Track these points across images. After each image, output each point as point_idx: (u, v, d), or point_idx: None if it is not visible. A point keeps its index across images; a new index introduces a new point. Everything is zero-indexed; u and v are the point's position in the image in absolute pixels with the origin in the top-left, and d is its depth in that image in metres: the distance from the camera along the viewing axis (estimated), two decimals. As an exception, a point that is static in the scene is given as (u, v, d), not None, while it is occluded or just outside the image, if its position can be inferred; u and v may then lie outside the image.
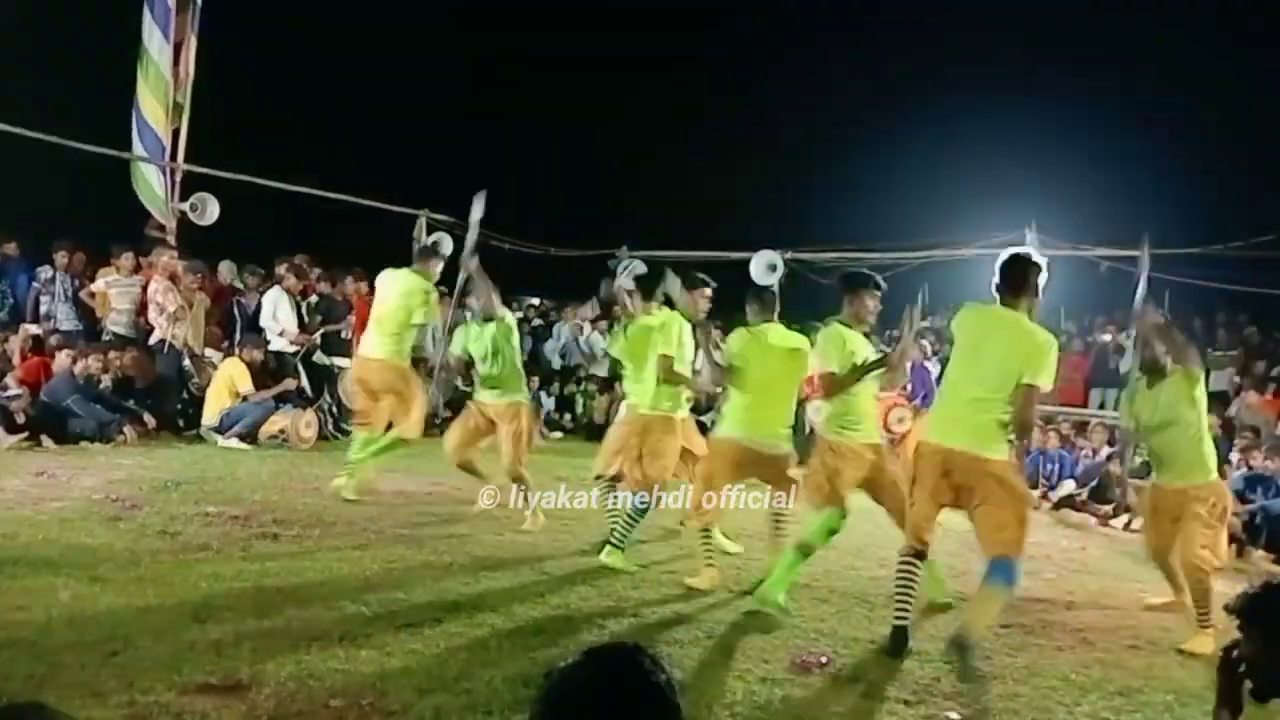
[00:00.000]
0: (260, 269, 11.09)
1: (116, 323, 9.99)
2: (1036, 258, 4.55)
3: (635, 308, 6.02)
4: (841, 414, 5.15)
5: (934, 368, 10.92)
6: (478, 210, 7.44)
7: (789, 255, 12.43)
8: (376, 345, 7.18)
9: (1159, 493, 5.45)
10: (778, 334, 5.61)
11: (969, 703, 3.86)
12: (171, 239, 11.00)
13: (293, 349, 10.55)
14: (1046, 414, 10.37)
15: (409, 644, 4.02)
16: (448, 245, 13.25)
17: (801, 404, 12.10)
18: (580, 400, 13.12)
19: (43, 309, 9.97)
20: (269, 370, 10.17)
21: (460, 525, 6.51)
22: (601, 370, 13.46)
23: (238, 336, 10.39)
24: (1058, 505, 9.65)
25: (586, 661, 1.51)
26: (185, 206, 10.93)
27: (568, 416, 13.17)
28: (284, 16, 14.54)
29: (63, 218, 10.93)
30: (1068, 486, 9.78)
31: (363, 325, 8.45)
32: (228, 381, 9.64)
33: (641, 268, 6.53)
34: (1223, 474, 8.79)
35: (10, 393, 8.50)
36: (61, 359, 8.95)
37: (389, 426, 7.22)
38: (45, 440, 8.30)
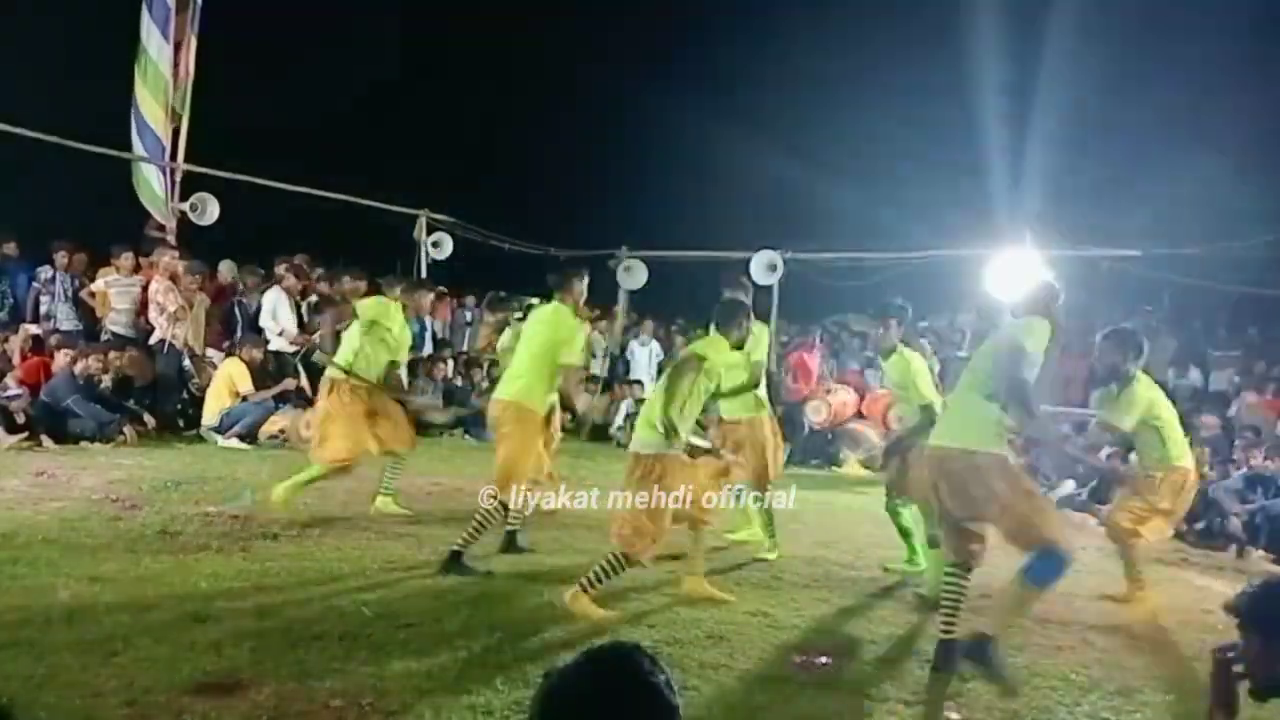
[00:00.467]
0: (260, 269, 11.10)
1: (116, 323, 9.99)
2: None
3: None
4: None
5: (935, 365, 10.92)
6: None
7: (789, 255, 12.45)
8: None
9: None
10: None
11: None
12: (171, 239, 11.01)
13: (293, 349, 10.55)
14: (1047, 414, 10.37)
15: (409, 644, 4.02)
16: (448, 246, 13.33)
17: (801, 403, 12.22)
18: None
19: (43, 309, 9.97)
20: (269, 370, 10.17)
21: (460, 525, 6.50)
22: (600, 370, 13.46)
23: (238, 336, 10.40)
24: (1057, 505, 9.64)
25: (586, 662, 1.51)
26: (185, 206, 10.94)
27: (568, 416, 13.15)
28: (284, 16, 14.52)
29: (63, 218, 10.90)
30: (1068, 486, 9.77)
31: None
32: (228, 381, 9.64)
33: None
34: (1225, 474, 8.86)
35: (10, 393, 8.50)
36: (61, 359, 8.95)
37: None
38: (45, 440, 8.30)
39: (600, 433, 12.40)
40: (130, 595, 4.37)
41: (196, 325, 10.22)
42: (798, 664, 4.18)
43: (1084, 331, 14.01)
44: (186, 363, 10.04)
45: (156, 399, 9.61)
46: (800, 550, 6.55)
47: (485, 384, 11.22)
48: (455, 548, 5.32)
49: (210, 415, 9.56)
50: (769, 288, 12.11)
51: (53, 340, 9.53)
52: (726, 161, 15.99)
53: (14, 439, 8.15)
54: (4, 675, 3.35)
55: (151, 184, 11.20)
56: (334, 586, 4.82)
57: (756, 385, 6.09)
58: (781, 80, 17.51)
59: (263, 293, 10.71)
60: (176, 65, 11.42)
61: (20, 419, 8.33)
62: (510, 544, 5.90)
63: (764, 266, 12.17)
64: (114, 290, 10.06)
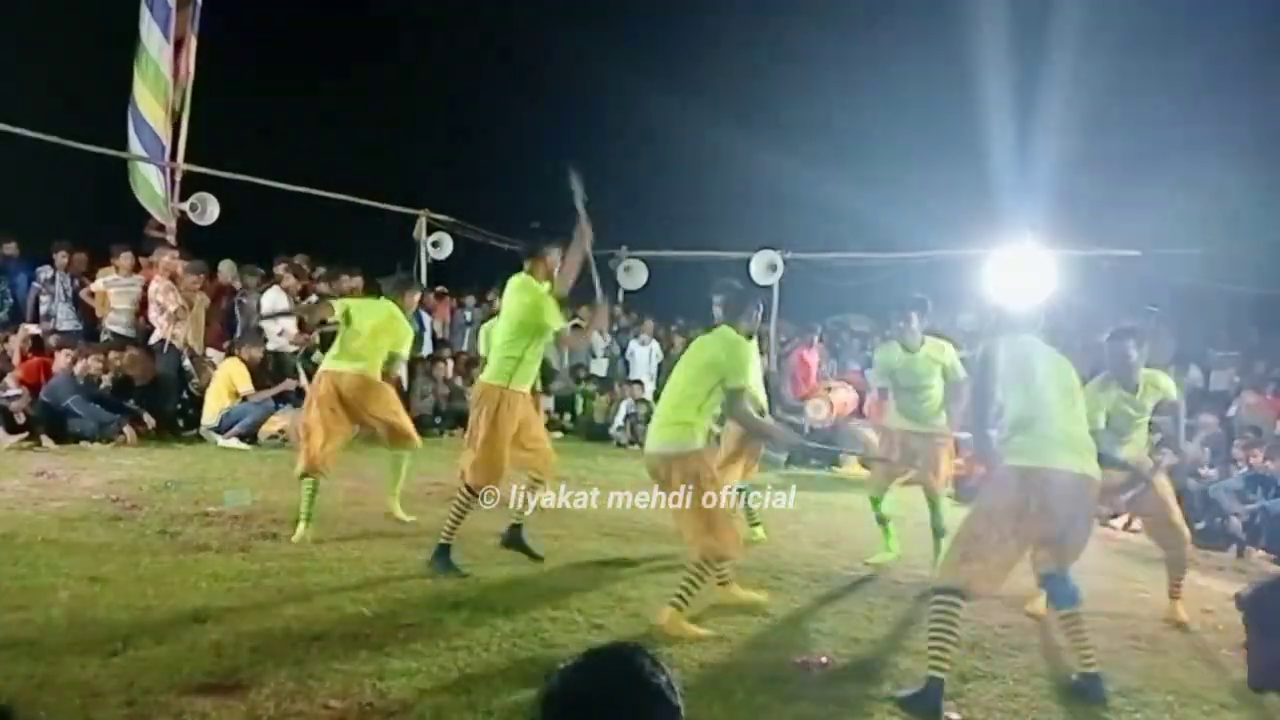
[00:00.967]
0: (260, 269, 11.10)
1: (116, 322, 9.99)
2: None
3: None
4: None
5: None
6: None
7: (789, 255, 12.44)
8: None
9: None
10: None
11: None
12: (171, 239, 11.01)
13: (292, 349, 10.55)
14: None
15: (409, 644, 4.01)
16: (448, 245, 13.32)
17: (801, 403, 12.21)
18: (580, 400, 13.11)
19: (43, 309, 9.98)
20: (269, 370, 10.17)
21: (459, 525, 6.49)
22: (601, 370, 13.47)
23: (238, 336, 10.40)
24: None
25: (586, 662, 1.51)
26: (185, 206, 10.93)
27: (568, 416, 13.16)
28: (284, 16, 14.52)
29: (63, 218, 10.90)
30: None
31: None
32: (227, 381, 9.63)
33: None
34: (1225, 474, 8.85)
35: (10, 393, 8.50)
36: (61, 359, 8.95)
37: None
38: (45, 440, 8.30)
39: (600, 432, 12.40)
40: (130, 595, 4.37)
41: (196, 325, 10.21)
42: (798, 664, 4.18)
43: (1085, 331, 14.05)
44: (186, 363, 10.03)
45: (156, 399, 9.60)
46: (800, 550, 6.55)
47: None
48: (441, 541, 5.28)
49: (210, 415, 9.55)
50: (769, 287, 12.11)
51: (53, 340, 9.53)
52: (726, 161, 15.98)
53: (14, 439, 8.15)
54: (4, 675, 3.35)
55: (151, 184, 11.20)
56: (334, 586, 4.82)
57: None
58: (781, 80, 17.51)
59: (263, 293, 10.71)
60: (177, 64, 11.42)
61: (20, 419, 8.33)
62: (514, 540, 5.76)
63: (764, 266, 12.18)
64: (114, 290, 10.05)
